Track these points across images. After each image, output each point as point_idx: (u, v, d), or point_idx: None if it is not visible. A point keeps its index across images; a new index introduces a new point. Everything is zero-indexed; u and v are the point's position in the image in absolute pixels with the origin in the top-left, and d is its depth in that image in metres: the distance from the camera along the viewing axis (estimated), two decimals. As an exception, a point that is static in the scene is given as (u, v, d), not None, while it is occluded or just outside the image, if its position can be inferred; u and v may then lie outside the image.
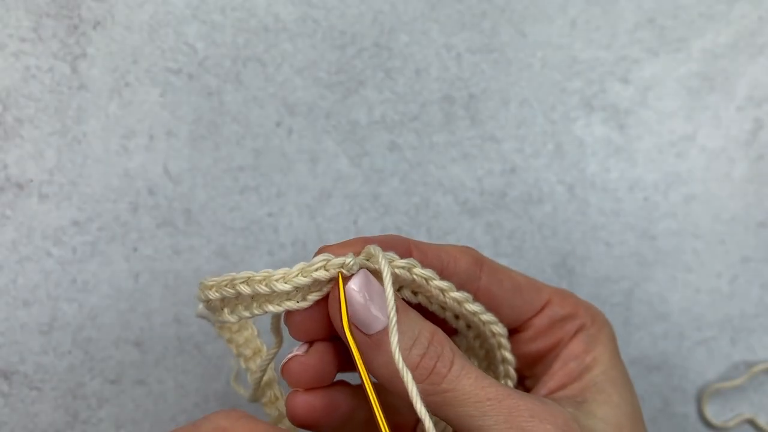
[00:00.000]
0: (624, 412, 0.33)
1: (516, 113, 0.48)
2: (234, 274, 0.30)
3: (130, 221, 0.45)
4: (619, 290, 0.47)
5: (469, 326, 0.34)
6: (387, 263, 0.29)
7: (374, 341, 0.29)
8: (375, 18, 0.47)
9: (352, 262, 0.29)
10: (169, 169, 0.46)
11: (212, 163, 0.46)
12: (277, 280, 0.30)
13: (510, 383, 0.35)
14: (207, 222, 0.46)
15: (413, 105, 0.47)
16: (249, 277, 0.30)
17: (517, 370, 0.35)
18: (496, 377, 0.35)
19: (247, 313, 0.31)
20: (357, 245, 0.31)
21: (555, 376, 0.35)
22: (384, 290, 0.29)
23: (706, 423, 0.47)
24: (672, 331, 0.48)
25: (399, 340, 0.28)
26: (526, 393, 0.31)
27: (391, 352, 0.28)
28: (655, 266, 0.48)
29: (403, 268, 0.31)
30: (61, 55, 0.46)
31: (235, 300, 0.31)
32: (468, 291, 0.33)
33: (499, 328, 0.34)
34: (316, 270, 0.30)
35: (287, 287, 0.29)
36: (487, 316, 0.33)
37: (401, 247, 0.32)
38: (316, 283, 0.30)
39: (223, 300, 0.31)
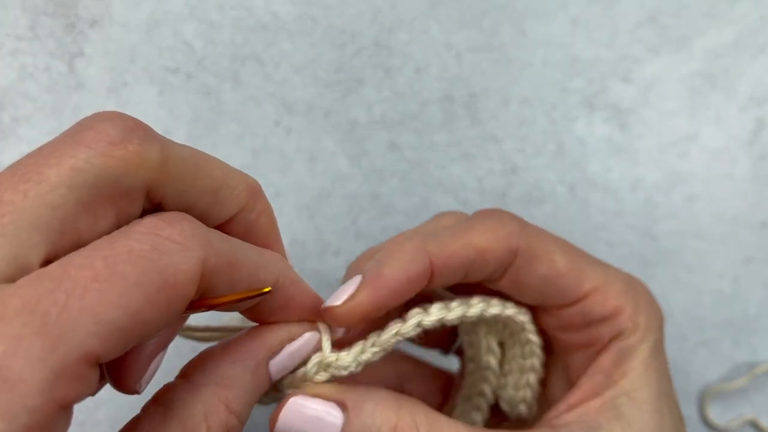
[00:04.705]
0: None
1: (516, 113, 0.47)
2: None
3: (128, 221, 0.45)
4: (620, 291, 0.47)
5: None
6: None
7: None
8: (374, 16, 0.47)
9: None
10: (167, 168, 0.45)
11: (210, 163, 0.46)
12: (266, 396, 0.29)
13: (536, 361, 0.33)
14: (205, 222, 0.45)
15: (413, 104, 0.47)
16: None
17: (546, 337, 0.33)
18: (523, 356, 0.34)
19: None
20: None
21: (578, 390, 0.31)
22: (324, 413, 0.28)
23: (708, 424, 0.47)
24: (673, 332, 0.47)
25: None
26: None
27: None
28: (656, 267, 0.47)
29: (379, 352, 0.30)
30: (58, 53, 0.45)
31: None
32: (492, 280, 0.31)
33: (522, 316, 0.32)
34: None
35: None
36: (509, 311, 0.31)
37: (419, 269, 0.29)
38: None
39: None
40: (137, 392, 0.27)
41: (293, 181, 0.46)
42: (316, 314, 0.29)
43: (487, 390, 0.36)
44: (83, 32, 0.46)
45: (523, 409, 0.35)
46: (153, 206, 0.26)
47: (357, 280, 0.29)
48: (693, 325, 0.47)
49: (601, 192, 0.47)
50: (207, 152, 0.31)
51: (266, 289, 0.25)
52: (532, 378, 0.35)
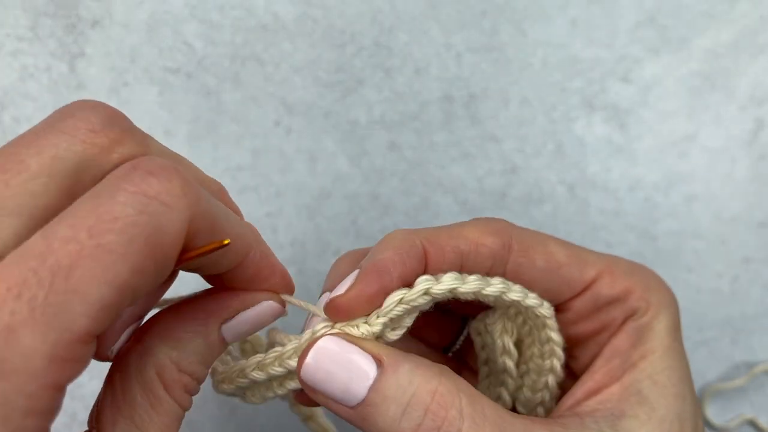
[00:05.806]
0: (669, 428, 0.28)
1: (516, 113, 0.47)
2: (243, 362, 0.29)
3: (129, 221, 0.45)
4: (619, 291, 0.47)
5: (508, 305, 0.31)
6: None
7: (358, 414, 0.27)
8: (374, 17, 0.47)
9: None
10: (167, 168, 0.45)
11: (211, 163, 0.46)
12: (290, 357, 0.28)
13: (556, 362, 0.31)
14: (205, 222, 0.45)
15: (413, 104, 0.47)
16: (259, 362, 0.29)
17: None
18: (542, 356, 0.32)
19: (270, 394, 0.30)
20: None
21: (595, 375, 0.30)
22: (357, 360, 0.27)
23: (707, 424, 0.47)
24: (673, 332, 0.47)
25: (386, 410, 0.26)
26: None
27: (380, 423, 0.26)
28: (655, 266, 0.47)
29: (397, 328, 0.28)
30: (58, 54, 0.45)
31: (254, 386, 0.30)
32: (493, 275, 0.30)
33: (545, 310, 0.30)
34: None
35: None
36: (530, 300, 0.29)
37: (414, 254, 0.29)
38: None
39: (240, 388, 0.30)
40: (109, 359, 0.27)
41: (293, 181, 0.46)
42: (282, 288, 0.29)
43: (505, 395, 0.34)
44: (84, 32, 0.46)
45: (541, 412, 0.33)
46: None
47: (355, 273, 0.29)
48: (692, 325, 0.47)
49: (600, 192, 0.47)
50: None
51: (226, 241, 0.24)
52: (551, 380, 0.32)
